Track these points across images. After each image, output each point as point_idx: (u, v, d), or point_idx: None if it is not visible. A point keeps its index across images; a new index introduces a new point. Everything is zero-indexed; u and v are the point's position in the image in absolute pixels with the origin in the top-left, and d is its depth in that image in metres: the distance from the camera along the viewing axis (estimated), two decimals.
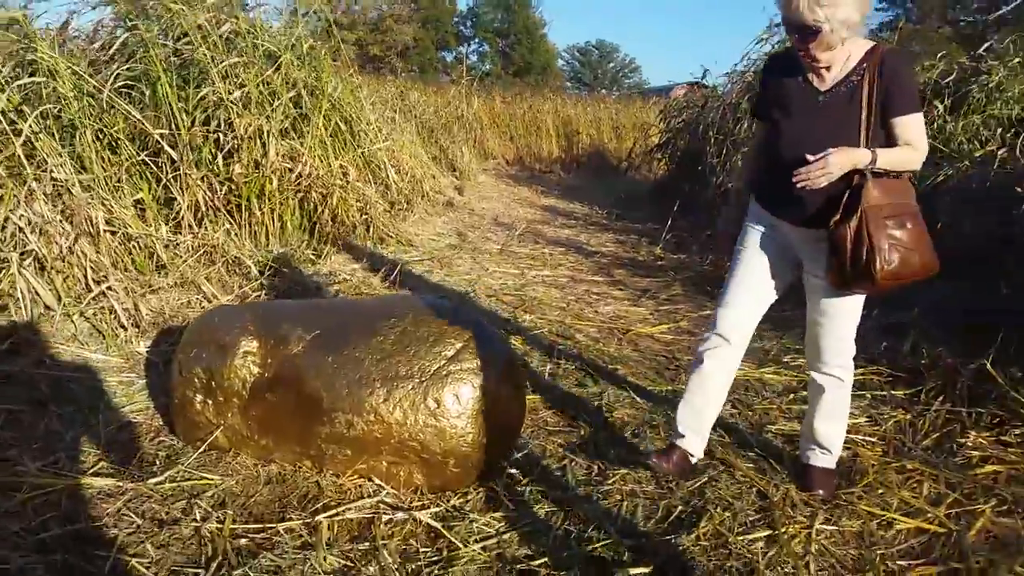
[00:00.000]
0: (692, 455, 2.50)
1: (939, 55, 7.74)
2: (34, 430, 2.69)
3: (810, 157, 2.04)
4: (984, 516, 2.32)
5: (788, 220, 2.28)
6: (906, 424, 3.01)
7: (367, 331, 2.45)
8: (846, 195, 2.09)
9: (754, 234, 2.40)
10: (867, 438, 2.90)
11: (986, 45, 7.38)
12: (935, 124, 6.22)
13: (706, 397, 2.48)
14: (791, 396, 3.30)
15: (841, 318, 2.33)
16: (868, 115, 2.10)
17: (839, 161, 2.03)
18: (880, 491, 2.50)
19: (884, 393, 3.28)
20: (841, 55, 2.11)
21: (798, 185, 2.05)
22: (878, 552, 2.16)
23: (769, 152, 2.32)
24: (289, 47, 5.88)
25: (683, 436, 2.49)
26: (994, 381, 3.06)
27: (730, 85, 8.30)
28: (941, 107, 6.30)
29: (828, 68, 2.14)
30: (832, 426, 2.48)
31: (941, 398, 3.13)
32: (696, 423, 2.49)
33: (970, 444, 2.80)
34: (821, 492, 2.47)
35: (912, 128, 2.10)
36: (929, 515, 2.34)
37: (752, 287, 2.40)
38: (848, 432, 2.90)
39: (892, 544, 2.22)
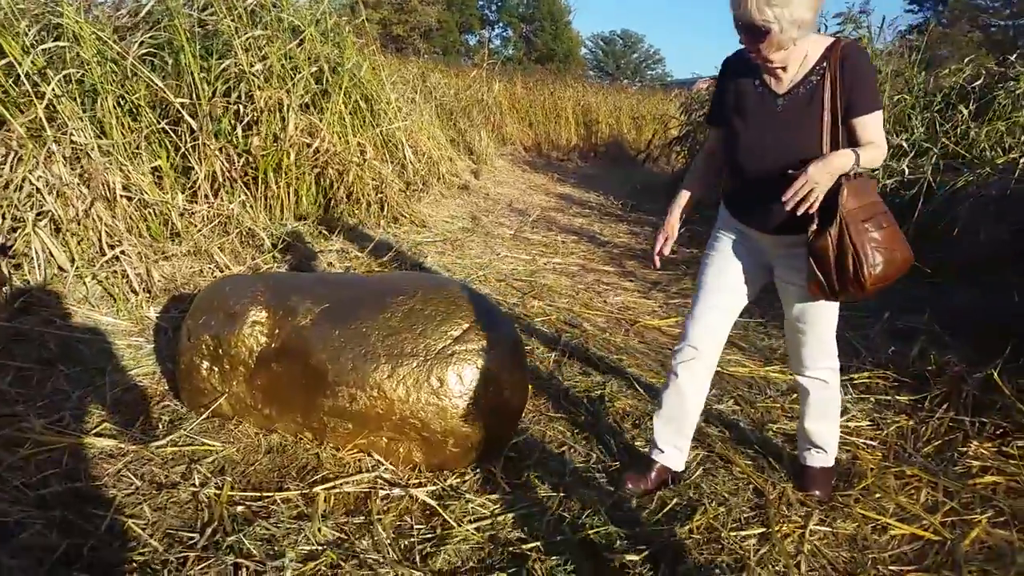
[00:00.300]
0: (673, 470, 2.50)
1: (967, 59, 7.66)
2: (41, 388, 2.73)
3: (793, 179, 1.95)
4: (980, 526, 2.31)
5: (757, 228, 2.22)
6: (908, 430, 3.00)
7: (375, 307, 2.46)
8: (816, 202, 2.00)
9: (723, 240, 2.36)
10: (868, 442, 2.90)
11: (1018, 52, 7.29)
12: (959, 129, 6.16)
13: (684, 409, 2.44)
14: (794, 396, 3.28)
15: (821, 322, 2.28)
16: (832, 115, 2.03)
17: (822, 173, 1.93)
18: (877, 495, 2.49)
19: (888, 398, 3.27)
20: (797, 54, 2.03)
21: (788, 208, 1.96)
22: (870, 556, 2.16)
23: (729, 160, 2.25)
24: (313, 22, 5.88)
25: (663, 452, 2.47)
26: (1000, 391, 3.04)
27: None
28: (966, 112, 6.23)
29: (784, 68, 2.05)
30: (825, 425, 2.46)
31: (945, 406, 3.11)
32: (675, 438, 2.47)
33: (971, 453, 2.78)
34: (818, 493, 2.46)
35: (874, 126, 2.04)
36: (924, 522, 2.34)
37: (722, 296, 2.36)
38: (849, 435, 2.92)
39: (885, 549, 2.22)
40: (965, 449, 2.82)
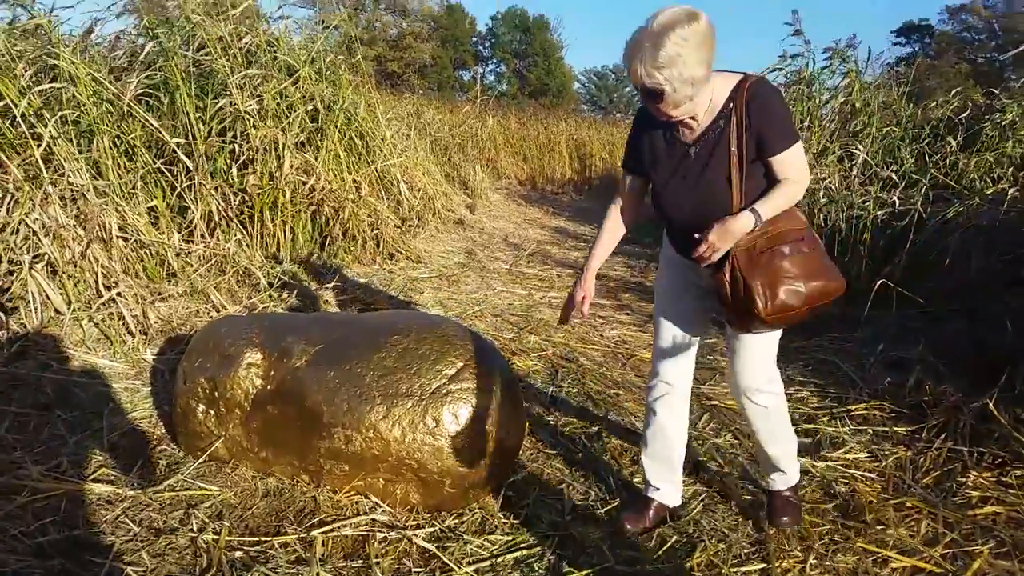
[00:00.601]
0: (669, 506, 2.49)
1: (953, 92, 7.78)
2: (39, 434, 2.72)
3: (698, 238, 2.02)
4: (981, 557, 2.30)
5: (689, 260, 2.20)
6: (907, 461, 2.99)
7: (370, 347, 2.46)
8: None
9: (670, 270, 2.38)
10: (867, 474, 2.89)
11: (1003, 84, 7.41)
12: (948, 160, 6.24)
13: (669, 444, 2.45)
14: (793, 428, 3.28)
15: (757, 346, 2.25)
16: (739, 161, 2.02)
17: (722, 239, 1.99)
18: (877, 528, 2.48)
19: (886, 429, 3.27)
20: (703, 100, 2.00)
21: (702, 265, 2.07)
22: None
23: (654, 206, 2.27)
24: (308, 61, 5.96)
25: (658, 489, 2.47)
26: (997, 421, 3.04)
27: None
28: (954, 143, 6.32)
29: (693, 117, 2.03)
30: (779, 448, 2.43)
31: (943, 436, 3.11)
32: (667, 473, 2.47)
33: (970, 484, 2.77)
34: (786, 519, 2.44)
35: (791, 163, 2.02)
36: (925, 554, 2.33)
37: (680, 326, 2.36)
38: (847, 467, 2.92)
39: None
40: (964, 479, 2.81)
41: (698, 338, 2.41)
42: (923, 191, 5.12)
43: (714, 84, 2.00)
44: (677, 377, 2.39)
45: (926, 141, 6.59)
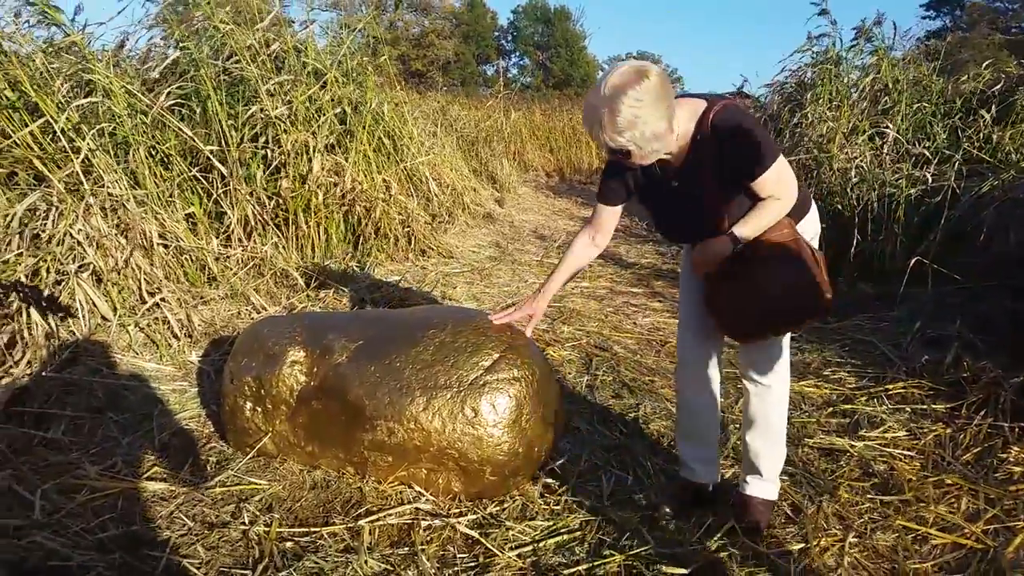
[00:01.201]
0: (706, 485, 2.51)
1: (985, 64, 7.64)
2: (93, 436, 2.83)
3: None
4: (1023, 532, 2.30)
5: None
6: (946, 438, 2.98)
7: (408, 342, 2.52)
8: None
9: (688, 259, 2.39)
10: (906, 452, 2.89)
11: None
12: (981, 134, 6.14)
13: (699, 425, 2.47)
14: (830, 410, 3.29)
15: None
16: (717, 188, 2.06)
17: (705, 264, 2.15)
18: (916, 506, 2.49)
19: (925, 407, 3.26)
20: (671, 141, 2.01)
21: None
22: (912, 567, 2.16)
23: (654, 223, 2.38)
24: (335, 65, 6.05)
25: (692, 469, 2.50)
26: None
27: (770, 95, 8.26)
28: (988, 116, 6.21)
29: (668, 153, 2.06)
30: (767, 445, 2.38)
31: (983, 412, 3.10)
32: (700, 452, 2.49)
33: (1011, 459, 2.77)
34: (746, 524, 2.35)
35: (770, 183, 2.01)
36: (966, 531, 2.33)
37: (700, 309, 2.34)
38: (886, 446, 2.92)
39: (927, 559, 2.21)
40: (1005, 455, 2.81)
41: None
42: (956, 166, 5.05)
43: (680, 118, 2.02)
44: (700, 357, 2.40)
45: (958, 116, 6.49)
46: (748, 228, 2.05)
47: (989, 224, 4.45)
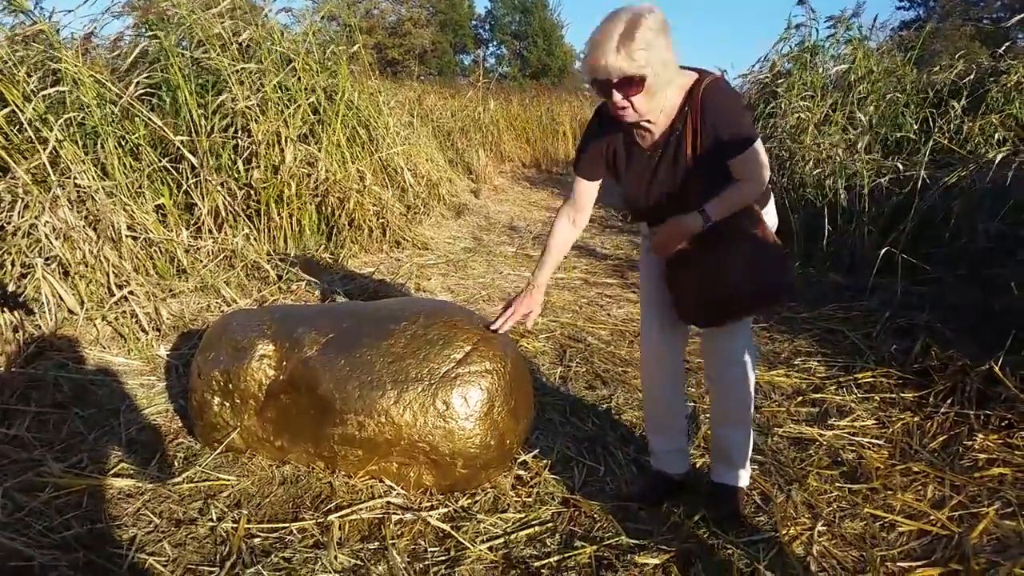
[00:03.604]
0: (676, 475, 2.52)
1: (958, 55, 7.71)
2: (58, 432, 2.79)
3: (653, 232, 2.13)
4: (987, 518, 2.33)
5: None
6: (914, 426, 3.02)
7: (379, 334, 2.51)
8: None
9: (648, 256, 2.36)
10: (874, 440, 2.92)
11: (1007, 43, 7.33)
12: (952, 124, 6.21)
13: (665, 416, 2.47)
14: (800, 399, 3.32)
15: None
16: (696, 164, 2.03)
17: (670, 239, 2.09)
18: (884, 494, 2.52)
19: (893, 396, 3.29)
20: (659, 102, 1.99)
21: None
22: (879, 554, 2.19)
23: (626, 203, 2.33)
24: (307, 52, 5.98)
25: (661, 460, 2.52)
26: (1003, 383, 3.06)
27: (747, 86, 8.30)
28: (958, 107, 6.28)
29: (649, 121, 2.02)
30: (738, 433, 2.37)
31: (950, 400, 3.13)
32: (669, 443, 2.50)
33: (977, 447, 2.80)
34: (720, 516, 2.35)
35: (747, 164, 2.00)
36: (932, 517, 2.36)
37: (663, 306, 2.32)
38: (855, 435, 2.95)
39: (894, 546, 2.24)
40: (971, 442, 2.84)
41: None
42: (926, 157, 5.10)
43: (671, 85, 2.00)
44: (663, 353, 2.38)
45: (930, 106, 6.56)
46: (718, 207, 2.02)
47: (957, 215, 4.50)
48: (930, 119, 6.39)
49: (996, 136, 5.92)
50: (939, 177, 5.01)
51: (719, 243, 2.05)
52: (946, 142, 5.81)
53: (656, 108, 1.99)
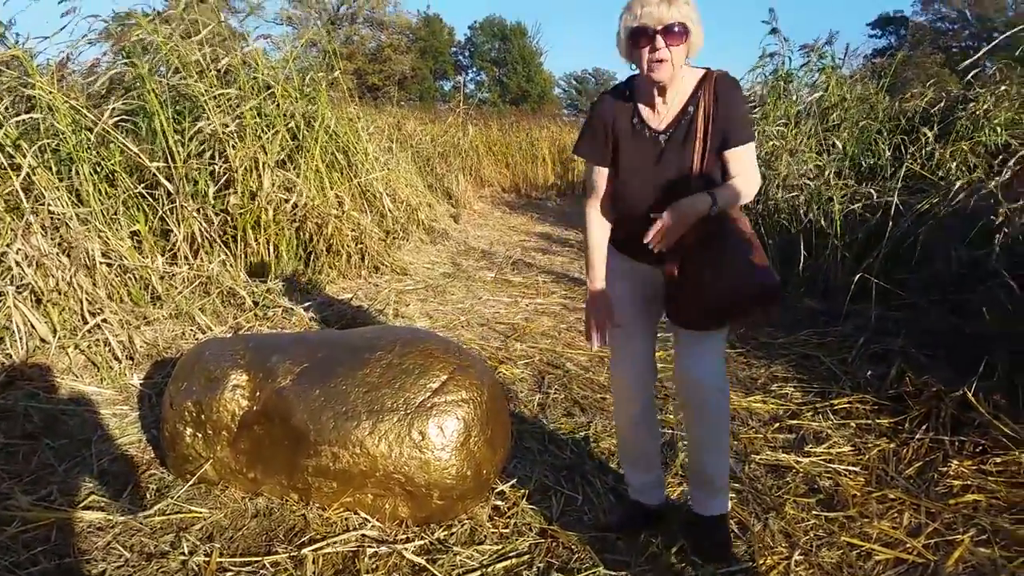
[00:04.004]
0: (652, 506, 2.50)
1: (928, 83, 7.86)
2: (28, 463, 2.74)
3: (653, 219, 1.99)
4: (962, 546, 2.34)
5: (647, 262, 2.17)
6: (889, 453, 3.03)
7: (354, 364, 2.49)
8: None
9: (620, 282, 2.29)
10: (850, 468, 2.93)
11: (974, 71, 7.48)
12: (924, 151, 6.31)
13: (639, 449, 2.44)
14: (776, 425, 3.33)
15: (708, 340, 2.18)
16: (703, 148, 2.04)
17: (678, 222, 1.96)
18: (861, 522, 2.52)
19: (869, 422, 3.31)
20: (678, 82, 2.04)
21: (652, 248, 2.00)
22: None
23: (615, 198, 2.22)
24: (286, 79, 5.99)
25: (639, 490, 2.50)
26: (977, 409, 3.08)
27: None
28: (930, 134, 6.39)
29: (665, 98, 2.06)
30: (719, 456, 2.29)
31: (925, 426, 3.15)
32: (645, 475, 2.47)
33: (952, 473, 2.82)
34: (717, 552, 2.31)
35: (746, 159, 2.04)
36: (908, 545, 2.36)
37: (633, 331, 2.28)
38: (831, 462, 2.96)
39: (871, 575, 2.24)
40: (946, 469, 2.85)
41: (652, 342, 2.35)
42: (899, 183, 5.18)
43: (685, 69, 2.05)
44: (636, 380, 2.32)
45: (902, 133, 6.67)
46: (723, 194, 2.00)
47: (928, 241, 4.56)
48: (902, 146, 6.48)
49: (965, 163, 6.01)
50: (912, 203, 5.07)
51: (723, 239, 2.02)
52: (918, 168, 5.89)
53: (675, 85, 2.04)
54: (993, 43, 5.84)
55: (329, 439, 2.35)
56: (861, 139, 6.59)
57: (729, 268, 2.00)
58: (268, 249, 5.38)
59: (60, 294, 3.74)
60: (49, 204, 4.00)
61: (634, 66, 2.06)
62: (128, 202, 4.68)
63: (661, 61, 1.95)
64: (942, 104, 6.94)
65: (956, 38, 31.99)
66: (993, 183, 4.31)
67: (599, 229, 2.29)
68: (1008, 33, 4.83)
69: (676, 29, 1.92)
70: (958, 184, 4.80)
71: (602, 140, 2.18)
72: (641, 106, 2.12)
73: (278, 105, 5.78)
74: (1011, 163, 4.60)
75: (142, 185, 4.77)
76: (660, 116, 2.09)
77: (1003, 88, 6.78)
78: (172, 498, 2.53)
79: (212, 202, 5.07)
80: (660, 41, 1.93)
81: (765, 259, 2.05)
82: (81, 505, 2.49)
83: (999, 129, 6.32)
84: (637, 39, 1.95)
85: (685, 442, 2.80)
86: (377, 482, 2.35)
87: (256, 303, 4.58)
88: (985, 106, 6.50)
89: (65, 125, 4.39)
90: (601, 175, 2.24)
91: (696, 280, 2.03)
